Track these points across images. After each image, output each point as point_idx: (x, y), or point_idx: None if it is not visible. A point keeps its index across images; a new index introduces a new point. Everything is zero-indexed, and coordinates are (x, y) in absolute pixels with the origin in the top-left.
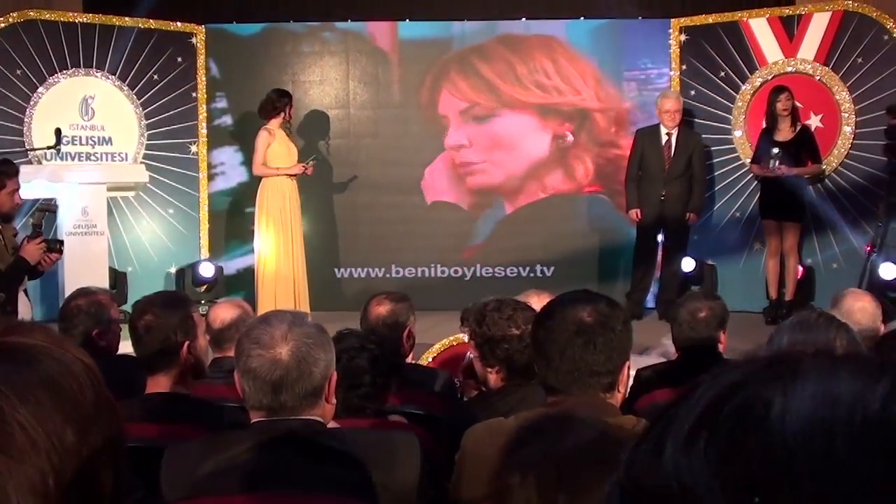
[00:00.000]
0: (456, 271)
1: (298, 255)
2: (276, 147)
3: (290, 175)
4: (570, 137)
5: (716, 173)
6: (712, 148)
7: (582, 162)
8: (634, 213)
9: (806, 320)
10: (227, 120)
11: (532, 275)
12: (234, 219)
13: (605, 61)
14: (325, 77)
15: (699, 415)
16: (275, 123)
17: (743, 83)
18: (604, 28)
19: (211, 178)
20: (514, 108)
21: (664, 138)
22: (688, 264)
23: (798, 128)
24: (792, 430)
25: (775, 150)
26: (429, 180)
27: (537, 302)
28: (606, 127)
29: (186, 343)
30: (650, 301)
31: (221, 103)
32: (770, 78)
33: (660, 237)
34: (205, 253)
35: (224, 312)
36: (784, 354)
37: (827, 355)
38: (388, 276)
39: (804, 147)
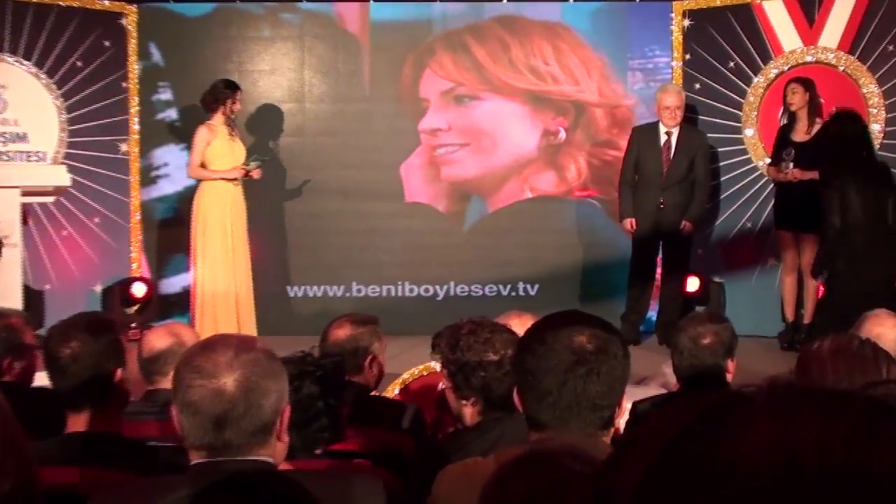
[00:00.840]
0: (427, 290)
1: (243, 272)
2: (217, 146)
3: (230, 179)
4: (563, 134)
5: (723, 178)
6: (719, 149)
7: (574, 161)
8: (629, 223)
9: (847, 348)
10: (172, 114)
11: (514, 293)
12: (177, 229)
13: (611, 49)
14: (277, 66)
15: (647, 469)
16: (218, 119)
17: (755, 75)
18: (603, 11)
19: (153, 181)
20: (503, 94)
21: (663, 138)
22: (691, 283)
23: (817, 126)
24: (743, 486)
25: (787, 151)
26: (404, 179)
27: (518, 324)
28: (606, 125)
29: (118, 372)
30: (648, 324)
31: (165, 94)
32: (787, 69)
33: (659, 251)
34: (137, 269)
35: (157, 339)
36: (737, 392)
37: (785, 389)
38: (347, 295)
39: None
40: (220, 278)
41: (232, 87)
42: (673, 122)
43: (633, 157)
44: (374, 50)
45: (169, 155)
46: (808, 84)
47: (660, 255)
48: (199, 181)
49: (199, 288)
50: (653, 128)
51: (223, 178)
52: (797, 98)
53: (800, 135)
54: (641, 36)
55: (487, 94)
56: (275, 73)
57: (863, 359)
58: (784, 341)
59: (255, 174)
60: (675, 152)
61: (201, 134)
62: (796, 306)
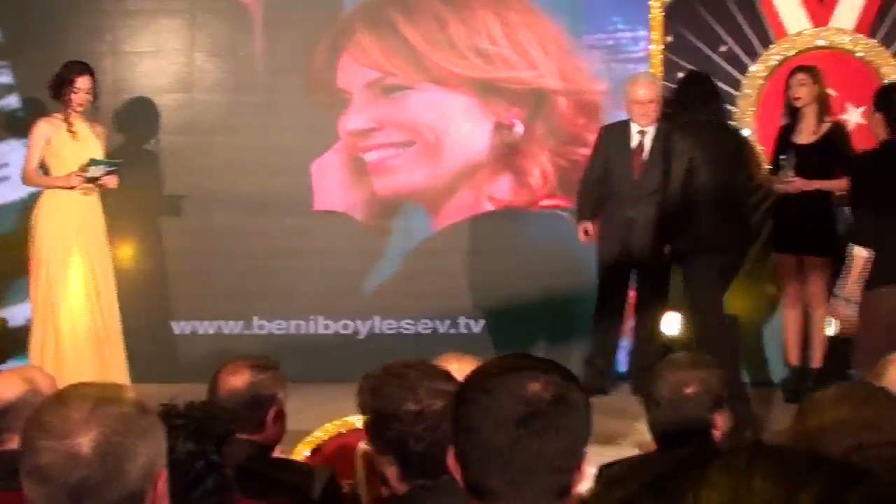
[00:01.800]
0: (346, 326)
1: (106, 303)
2: (59, 145)
3: (66, 187)
4: (520, 128)
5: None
6: None
7: (536, 163)
8: (583, 230)
9: (854, 397)
10: (13, 101)
11: (454, 331)
12: (22, 246)
13: (566, 21)
14: (161, 47)
15: None
16: (64, 111)
17: (753, 62)
18: None
19: None
20: (445, 84)
21: (635, 139)
22: (670, 320)
23: (826, 126)
24: None
25: (785, 157)
26: (315, 184)
27: (458, 369)
28: (570, 116)
29: None
30: (620, 366)
31: (5, 77)
32: (792, 55)
33: (630, 279)
34: None
35: (6, 386)
36: (693, 456)
37: (745, 452)
38: (247, 332)
39: (832, 152)
40: (60, 313)
41: (71, 72)
42: (646, 119)
43: (601, 159)
44: (270, 27)
45: (9, 152)
46: (817, 74)
47: (632, 285)
48: (39, 190)
49: (37, 325)
50: (622, 127)
51: (59, 187)
52: (804, 92)
53: (805, 136)
54: (600, 4)
55: (424, 83)
56: (158, 55)
57: (875, 411)
58: (788, 390)
59: (110, 182)
60: (648, 157)
61: (39, 129)
62: (802, 347)
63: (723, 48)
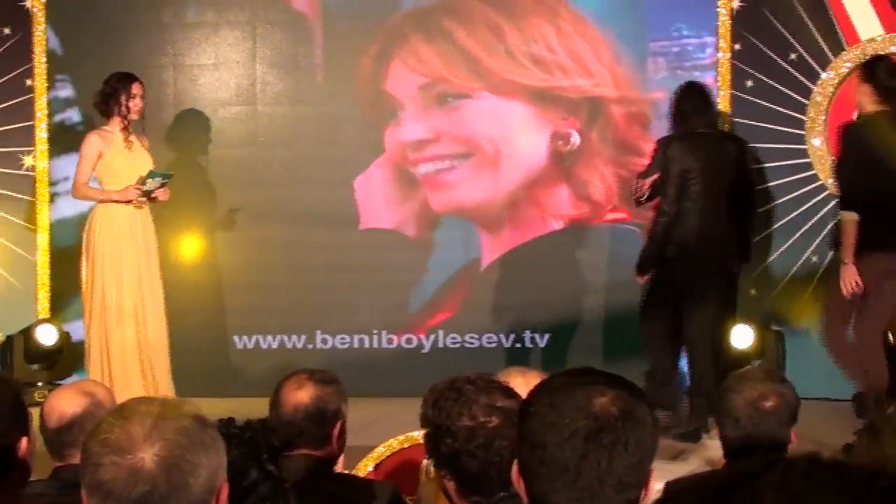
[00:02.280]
0: (409, 341)
1: (154, 318)
2: (112, 159)
3: (122, 201)
4: (577, 138)
5: (782, 200)
6: (777, 163)
7: (599, 174)
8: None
9: None
10: (74, 115)
11: (519, 345)
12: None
13: (622, 29)
14: (222, 58)
15: None
16: (115, 124)
17: (824, 70)
18: None
19: (51, 199)
20: (501, 92)
21: None
22: (743, 333)
23: None
24: None
25: None
26: (362, 198)
27: (523, 384)
28: (624, 125)
29: (24, 442)
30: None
31: (65, 91)
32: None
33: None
34: (44, 312)
35: (65, 402)
36: (753, 469)
37: (802, 465)
38: (310, 346)
39: None
40: (112, 327)
41: (124, 81)
42: None
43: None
44: (329, 38)
45: (70, 166)
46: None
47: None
48: (93, 204)
49: (88, 340)
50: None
51: (114, 200)
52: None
53: None
54: (663, 11)
55: (481, 91)
56: (219, 67)
57: None
58: (860, 405)
59: (162, 195)
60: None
61: (90, 143)
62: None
63: (793, 56)
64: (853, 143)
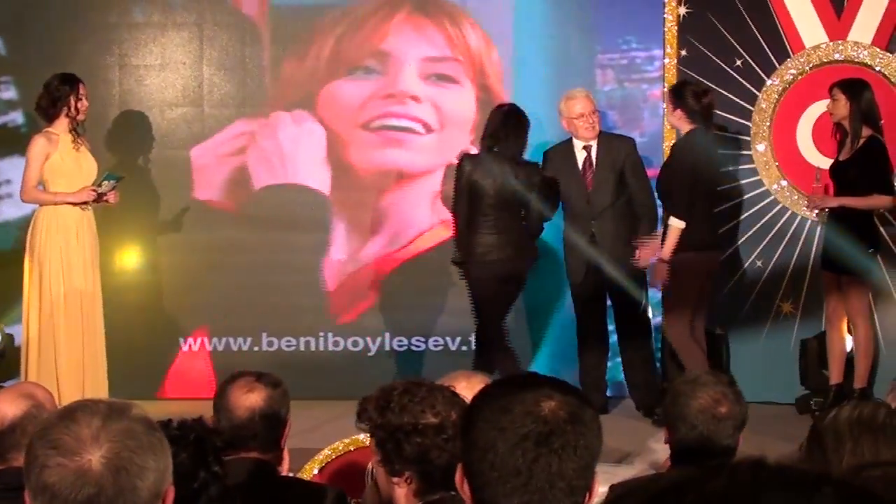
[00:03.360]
0: (355, 343)
1: (91, 322)
2: (60, 160)
3: (76, 203)
4: None
5: (727, 205)
6: (724, 168)
7: None
8: None
9: (871, 419)
10: (18, 117)
11: (466, 348)
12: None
13: (573, 40)
14: (168, 59)
15: None
16: (60, 126)
17: (769, 76)
18: None
19: None
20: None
21: (581, 155)
22: None
23: (860, 141)
24: None
25: (818, 172)
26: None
27: (467, 388)
28: None
29: None
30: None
31: (8, 93)
32: (808, 69)
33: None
34: None
35: (6, 405)
36: (686, 478)
37: (750, 467)
38: (255, 349)
39: (864, 167)
40: (59, 330)
41: (71, 82)
42: (591, 132)
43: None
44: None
45: (13, 169)
46: (852, 88)
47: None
48: (37, 206)
49: (31, 344)
50: (566, 148)
51: (68, 203)
52: (838, 107)
53: (844, 152)
54: (614, 24)
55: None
56: (165, 68)
57: (893, 432)
58: (805, 406)
59: (112, 198)
60: (597, 170)
61: (38, 145)
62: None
63: (738, 62)
64: (683, 158)
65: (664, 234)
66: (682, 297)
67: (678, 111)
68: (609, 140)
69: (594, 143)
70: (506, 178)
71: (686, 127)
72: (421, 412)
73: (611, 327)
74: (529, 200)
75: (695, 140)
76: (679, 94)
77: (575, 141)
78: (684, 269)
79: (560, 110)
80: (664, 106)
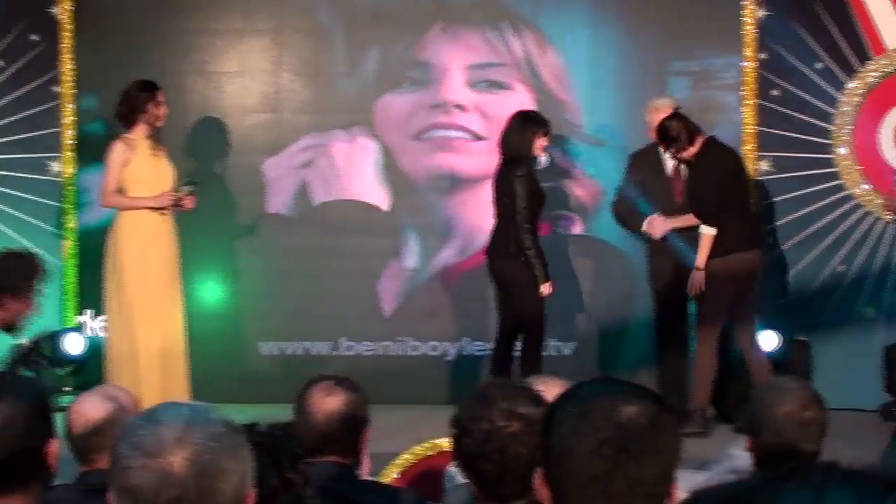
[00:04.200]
0: (434, 348)
1: (171, 326)
2: (138, 166)
3: (156, 208)
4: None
5: (808, 209)
6: (803, 173)
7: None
8: (650, 223)
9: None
10: (99, 126)
11: (545, 353)
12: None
13: (646, 46)
14: (247, 66)
15: None
16: (139, 132)
17: (850, 79)
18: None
19: (78, 208)
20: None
21: (670, 163)
22: (768, 339)
23: None
24: None
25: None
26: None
27: (545, 394)
28: None
29: (53, 444)
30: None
31: (91, 101)
32: (890, 71)
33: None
34: (71, 318)
35: (91, 408)
36: (762, 479)
37: (823, 470)
38: (335, 353)
39: None
40: (139, 333)
41: (150, 89)
42: None
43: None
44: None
45: (97, 178)
46: None
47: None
48: (117, 211)
49: (112, 348)
50: (653, 151)
51: (147, 208)
52: None
53: None
54: (689, 30)
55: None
56: (244, 75)
57: None
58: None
59: (189, 203)
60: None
61: (116, 151)
62: None
63: (819, 65)
64: (706, 166)
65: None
66: (711, 304)
67: (685, 146)
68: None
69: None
70: None
71: (699, 142)
72: (478, 417)
73: None
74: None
75: (712, 148)
76: (670, 136)
77: (661, 149)
78: (711, 277)
79: (646, 119)
80: (741, 111)
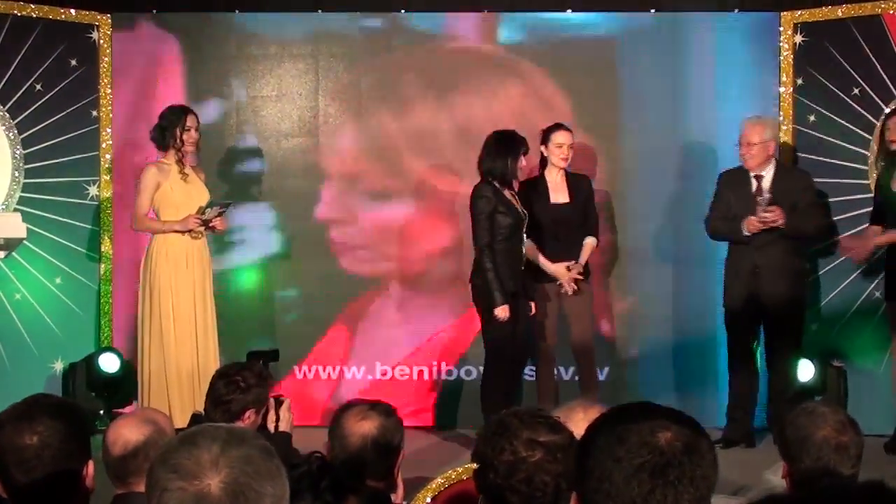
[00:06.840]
0: (468, 372)
1: (207, 348)
2: (168, 191)
3: (183, 231)
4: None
5: (844, 234)
6: (840, 198)
7: None
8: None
9: None
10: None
11: (578, 377)
12: None
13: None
14: (284, 90)
15: None
16: (172, 156)
17: (887, 104)
18: (683, 24)
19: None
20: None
21: (753, 184)
22: (805, 368)
23: None
24: None
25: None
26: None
27: (583, 419)
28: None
29: (89, 467)
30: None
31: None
32: None
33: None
34: (107, 340)
35: (129, 430)
36: (799, 497)
37: (868, 489)
38: (369, 377)
39: None
40: (171, 355)
41: (179, 113)
42: (750, 162)
43: (725, 205)
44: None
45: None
46: None
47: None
48: (151, 235)
49: (145, 370)
50: (741, 172)
51: (175, 231)
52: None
53: None
54: (732, 55)
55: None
56: (281, 99)
57: None
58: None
59: (219, 225)
60: (770, 199)
61: (148, 175)
62: None
63: (856, 90)
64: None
65: None
66: None
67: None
68: (787, 171)
69: (765, 173)
70: None
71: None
72: (501, 449)
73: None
74: None
75: None
76: None
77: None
78: None
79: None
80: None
